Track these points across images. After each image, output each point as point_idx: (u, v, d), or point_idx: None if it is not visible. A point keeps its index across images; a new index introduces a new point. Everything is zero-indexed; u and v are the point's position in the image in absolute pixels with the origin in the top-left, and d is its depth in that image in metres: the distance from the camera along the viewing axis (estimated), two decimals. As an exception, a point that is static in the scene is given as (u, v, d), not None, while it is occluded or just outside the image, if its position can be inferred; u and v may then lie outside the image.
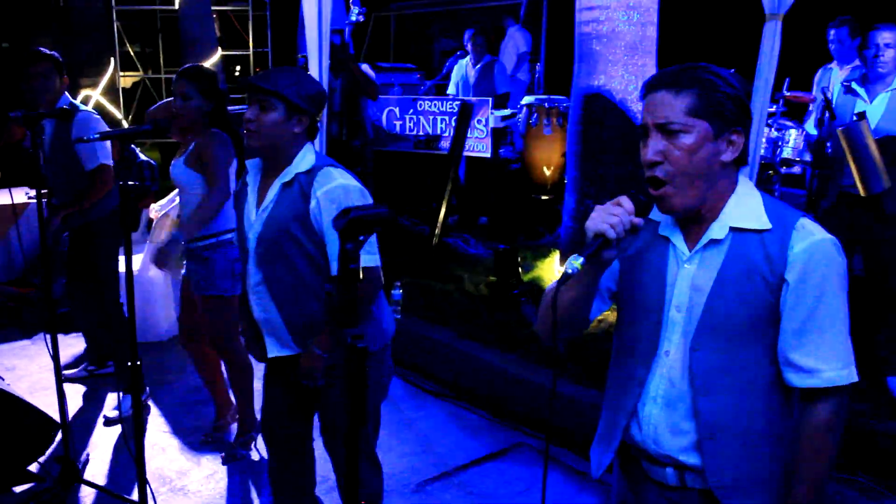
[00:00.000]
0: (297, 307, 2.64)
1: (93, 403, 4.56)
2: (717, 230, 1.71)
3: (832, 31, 5.43)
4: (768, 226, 1.69)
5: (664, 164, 1.66)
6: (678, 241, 1.77)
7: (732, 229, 1.71)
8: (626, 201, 1.63)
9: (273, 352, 2.73)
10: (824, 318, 1.67)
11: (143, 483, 2.83)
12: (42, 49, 4.21)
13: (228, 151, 3.65)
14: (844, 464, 3.38)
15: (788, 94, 5.48)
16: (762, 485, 1.76)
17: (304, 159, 2.61)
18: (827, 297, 1.67)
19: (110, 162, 4.27)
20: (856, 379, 1.69)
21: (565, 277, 1.60)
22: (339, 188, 2.54)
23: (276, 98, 2.53)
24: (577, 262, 1.57)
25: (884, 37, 3.97)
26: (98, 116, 4.23)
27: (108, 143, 4.31)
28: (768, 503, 1.77)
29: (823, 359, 1.67)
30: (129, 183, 2.43)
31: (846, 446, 3.41)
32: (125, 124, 9.92)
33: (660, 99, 1.67)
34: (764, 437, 1.74)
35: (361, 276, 1.34)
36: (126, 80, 11.46)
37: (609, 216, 1.61)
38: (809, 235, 1.68)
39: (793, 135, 5.25)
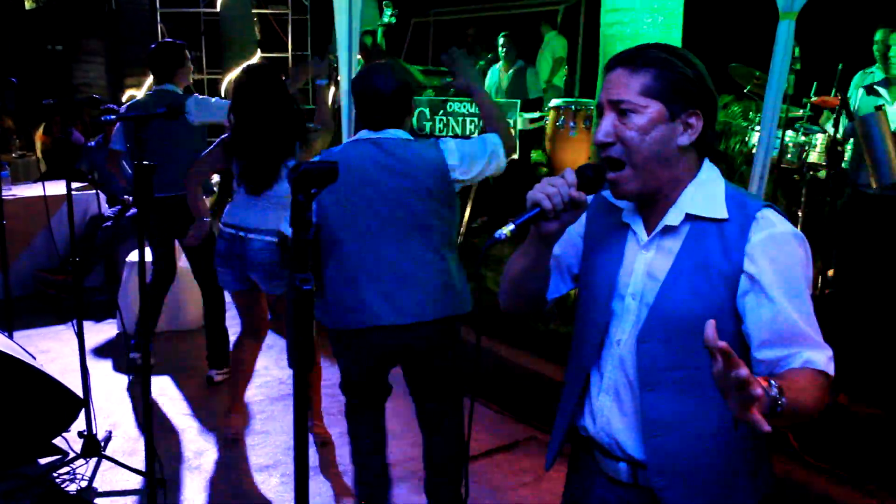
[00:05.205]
0: None
1: (118, 384, 4.72)
2: (673, 216, 1.61)
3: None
4: (725, 215, 1.58)
5: (616, 144, 1.58)
6: (638, 227, 1.68)
7: (689, 217, 1.60)
8: (569, 174, 1.55)
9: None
10: (791, 315, 1.52)
11: (153, 457, 2.97)
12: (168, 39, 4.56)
13: None
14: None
15: (815, 98, 5.44)
16: (707, 487, 1.64)
17: None
18: (791, 291, 1.53)
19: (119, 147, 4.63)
20: (832, 373, 1.50)
21: (492, 242, 1.53)
22: None
23: None
24: (506, 228, 1.52)
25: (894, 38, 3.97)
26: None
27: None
28: None
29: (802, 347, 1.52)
30: (145, 163, 2.54)
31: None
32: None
33: (616, 77, 1.60)
34: (712, 439, 1.63)
35: None
36: (170, 81, 11.73)
37: (548, 187, 1.54)
38: (770, 226, 1.55)
39: (819, 139, 5.20)
